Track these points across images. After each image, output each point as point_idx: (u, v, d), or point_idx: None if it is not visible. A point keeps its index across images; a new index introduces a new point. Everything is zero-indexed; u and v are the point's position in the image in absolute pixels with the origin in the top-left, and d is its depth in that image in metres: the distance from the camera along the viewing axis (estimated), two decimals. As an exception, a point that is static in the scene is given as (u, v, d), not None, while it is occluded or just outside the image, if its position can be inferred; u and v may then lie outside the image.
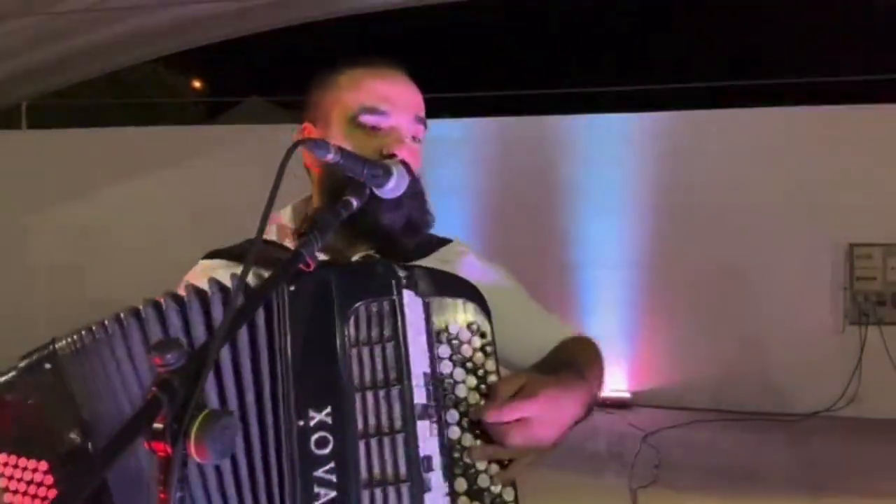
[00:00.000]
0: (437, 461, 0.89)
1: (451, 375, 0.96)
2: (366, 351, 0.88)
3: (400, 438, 0.86)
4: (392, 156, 1.09)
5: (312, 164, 1.18)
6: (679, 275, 5.73)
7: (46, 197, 7.08)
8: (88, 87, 9.71)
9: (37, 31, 5.47)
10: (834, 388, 5.42)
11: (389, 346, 0.88)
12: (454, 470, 0.92)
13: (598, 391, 1.13)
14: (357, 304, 0.89)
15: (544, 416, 0.94)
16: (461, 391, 0.95)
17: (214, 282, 0.94)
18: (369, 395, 0.87)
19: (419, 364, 0.91)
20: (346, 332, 0.88)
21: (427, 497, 0.86)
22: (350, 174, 1.00)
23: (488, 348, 0.98)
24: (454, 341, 0.97)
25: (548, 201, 5.89)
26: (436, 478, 0.88)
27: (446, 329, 0.97)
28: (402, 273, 0.96)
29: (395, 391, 0.87)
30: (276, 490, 0.87)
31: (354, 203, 0.97)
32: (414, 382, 0.89)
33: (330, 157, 0.95)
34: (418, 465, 0.86)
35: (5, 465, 0.92)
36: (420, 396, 0.89)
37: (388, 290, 0.89)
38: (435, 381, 0.94)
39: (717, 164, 5.74)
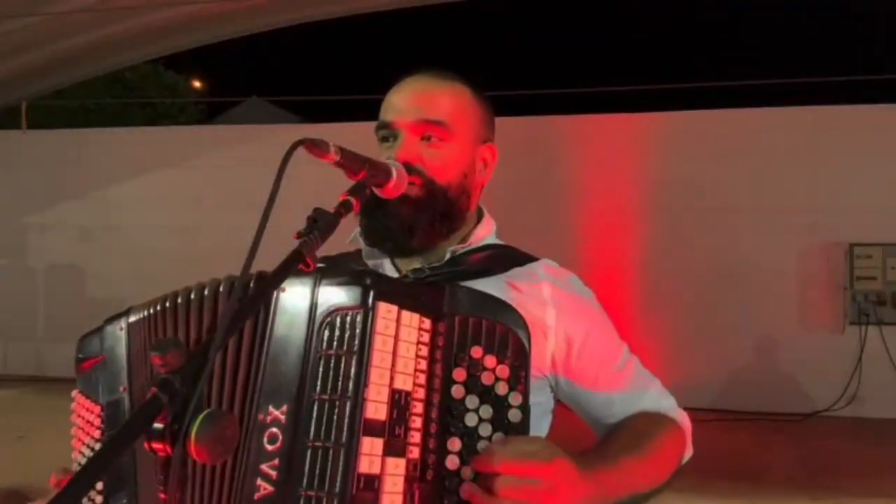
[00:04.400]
0: (387, 484, 0.85)
1: (462, 402, 0.91)
2: (332, 359, 0.87)
3: (341, 451, 0.83)
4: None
5: None
6: (679, 275, 5.73)
7: (46, 197, 7.08)
8: (88, 87, 9.72)
9: (37, 31, 5.47)
10: (834, 388, 5.42)
11: (351, 358, 0.86)
12: (436, 499, 0.88)
13: (632, 489, 1.01)
14: (332, 312, 0.90)
15: (547, 484, 0.86)
16: (471, 420, 0.91)
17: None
18: (326, 405, 0.86)
19: (382, 380, 0.86)
20: (319, 338, 0.89)
21: None
22: (351, 174, 1.00)
23: (516, 381, 0.92)
24: (475, 366, 0.92)
25: (548, 201, 5.88)
26: (385, 500, 0.84)
27: (467, 352, 0.93)
28: (383, 284, 0.93)
29: (346, 403, 0.85)
30: (223, 472, 0.89)
31: (354, 203, 0.97)
32: (370, 397, 0.85)
33: (330, 156, 0.96)
34: (352, 482, 0.82)
35: (78, 401, 1.13)
36: (374, 412, 0.85)
37: (363, 302, 0.88)
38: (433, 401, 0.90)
39: (717, 164, 5.74)
